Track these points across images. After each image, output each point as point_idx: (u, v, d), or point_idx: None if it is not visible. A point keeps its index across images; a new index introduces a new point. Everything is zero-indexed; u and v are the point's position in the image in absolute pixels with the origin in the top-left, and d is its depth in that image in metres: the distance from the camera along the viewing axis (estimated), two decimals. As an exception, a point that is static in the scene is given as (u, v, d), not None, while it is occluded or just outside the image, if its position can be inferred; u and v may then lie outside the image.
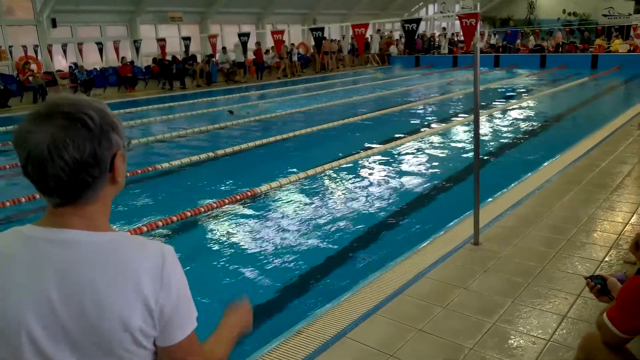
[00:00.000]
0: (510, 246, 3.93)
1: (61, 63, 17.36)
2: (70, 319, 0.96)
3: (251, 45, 18.46)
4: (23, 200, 5.75)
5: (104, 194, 1.03)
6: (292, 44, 22.58)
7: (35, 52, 16.43)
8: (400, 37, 27.54)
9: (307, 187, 6.24)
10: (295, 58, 22.09)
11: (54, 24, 16.78)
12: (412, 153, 7.84)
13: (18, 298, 0.96)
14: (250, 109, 12.54)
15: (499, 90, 15.18)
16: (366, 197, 5.82)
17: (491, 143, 8.32)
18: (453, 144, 8.52)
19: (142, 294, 0.99)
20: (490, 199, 5.02)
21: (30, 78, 14.85)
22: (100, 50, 17.16)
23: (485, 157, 7.11)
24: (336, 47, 24.03)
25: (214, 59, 19.07)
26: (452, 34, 27.28)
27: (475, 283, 3.38)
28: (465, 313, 3.02)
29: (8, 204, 5.72)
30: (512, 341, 2.75)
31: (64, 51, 16.85)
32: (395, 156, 7.68)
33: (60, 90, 15.52)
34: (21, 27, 16.77)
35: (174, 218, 5.03)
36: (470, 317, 2.98)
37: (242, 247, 4.57)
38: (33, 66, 15.77)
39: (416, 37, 22.74)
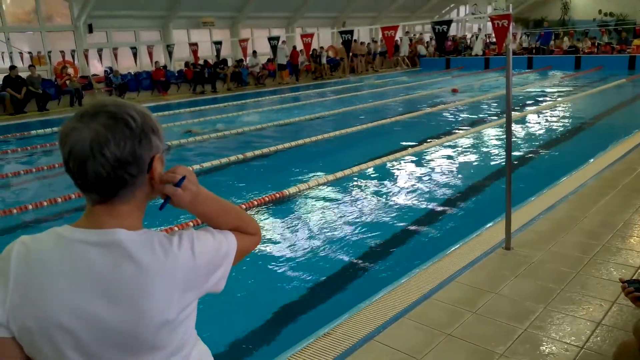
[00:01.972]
0: (543, 251, 3.85)
1: (97, 67, 17.84)
2: (111, 319, 0.98)
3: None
4: (59, 200, 5.93)
5: (140, 194, 1.06)
6: (322, 47, 22.64)
7: (73, 56, 16.93)
8: (431, 39, 27.34)
9: (336, 189, 6.25)
10: (324, 61, 22.15)
11: (90, 29, 17.28)
12: (442, 156, 7.76)
13: (59, 300, 0.98)
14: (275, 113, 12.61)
15: (532, 92, 14.89)
16: (395, 199, 5.79)
17: (523, 146, 8.17)
18: (484, 147, 8.40)
19: (180, 289, 1.03)
20: (522, 203, 4.92)
21: (68, 82, 15.31)
22: (135, 55, 17.56)
23: (518, 160, 6.98)
24: (365, 50, 23.99)
25: (244, 63, 19.29)
26: (485, 36, 26.90)
27: (506, 288, 3.32)
28: (495, 318, 2.98)
29: (45, 203, 5.91)
30: (544, 348, 2.69)
31: (100, 56, 17.31)
32: (425, 159, 7.62)
33: (96, 94, 15.95)
34: (59, 33, 17.31)
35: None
36: (501, 322, 2.93)
37: (270, 248, 4.60)
38: (70, 70, 16.26)
39: (447, 39, 22.58)
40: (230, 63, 19.66)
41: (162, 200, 1.11)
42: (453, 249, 3.99)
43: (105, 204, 1.03)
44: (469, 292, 3.30)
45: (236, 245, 1.16)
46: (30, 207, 5.85)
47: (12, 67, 14.11)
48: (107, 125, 0.99)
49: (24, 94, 13.97)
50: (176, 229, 4.77)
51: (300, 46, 22.31)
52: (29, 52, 16.31)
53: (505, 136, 3.99)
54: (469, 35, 28.94)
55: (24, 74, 14.44)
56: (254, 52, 19.94)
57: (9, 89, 13.77)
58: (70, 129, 1.00)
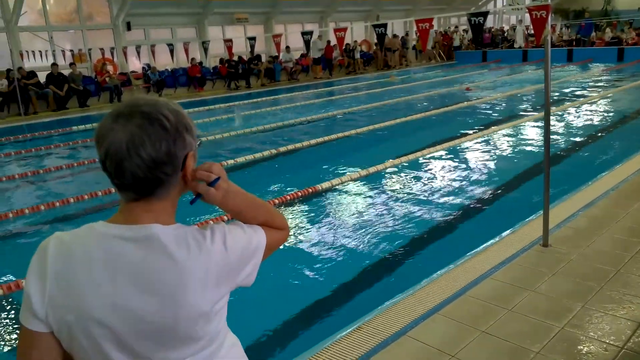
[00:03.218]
0: (582, 248, 3.75)
1: (135, 64, 18.25)
2: (147, 312, 1.00)
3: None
4: (100, 194, 6.11)
5: (174, 191, 1.08)
6: (355, 41, 22.54)
7: (112, 54, 17.36)
8: (466, 31, 26.85)
9: (369, 184, 6.23)
10: (357, 55, 22.05)
11: (128, 27, 17.69)
12: (478, 151, 7.64)
13: (96, 295, 1.00)
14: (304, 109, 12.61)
15: (572, 85, 14.46)
16: (429, 194, 5.73)
17: (562, 140, 7.95)
18: (522, 142, 8.21)
19: (213, 281, 1.05)
20: (560, 199, 4.80)
21: (107, 79, 15.73)
22: (171, 52, 17.90)
23: (556, 155, 6.81)
24: (399, 44, 23.75)
25: (278, 58, 19.41)
26: (525, 27, 26.23)
27: (543, 286, 3.25)
28: (531, 316, 2.92)
29: (86, 197, 6.11)
30: (582, 347, 2.63)
31: (138, 53, 17.71)
32: (460, 154, 7.51)
33: (134, 91, 16.34)
34: (99, 31, 17.78)
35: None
36: (537, 320, 2.88)
37: (303, 242, 4.63)
38: (109, 68, 16.69)
39: (483, 31, 22.10)
40: (264, 59, 19.79)
41: (192, 194, 1.13)
42: (488, 245, 3.93)
43: (140, 201, 1.05)
44: (505, 289, 3.24)
45: (265, 239, 1.18)
46: (72, 200, 6.05)
47: (54, 65, 14.60)
48: (143, 126, 1.00)
49: (65, 91, 14.43)
50: (211, 222, 4.87)
51: (333, 41, 22.31)
52: (71, 50, 16.81)
53: (543, 130, 3.90)
54: (506, 27, 28.26)
55: (65, 72, 14.93)
56: (287, 48, 20.02)
57: (51, 86, 14.24)
58: (106, 130, 1.01)
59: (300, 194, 5.83)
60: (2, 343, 3.32)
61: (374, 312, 3.07)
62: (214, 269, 1.05)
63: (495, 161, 7.00)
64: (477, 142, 8.11)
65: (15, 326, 3.49)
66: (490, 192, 5.73)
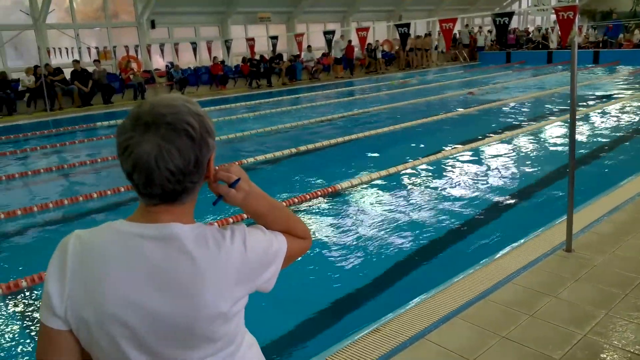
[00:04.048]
0: (607, 254, 3.67)
1: (159, 62, 18.46)
2: (166, 311, 1.00)
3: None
4: (122, 189, 6.20)
5: (196, 194, 1.09)
6: (377, 41, 22.45)
7: (136, 52, 17.59)
8: (490, 32, 26.54)
9: (389, 185, 6.20)
10: (379, 55, 21.97)
11: (152, 25, 17.90)
12: (501, 153, 7.54)
13: (115, 293, 0.99)
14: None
15: (598, 87, 14.18)
16: (449, 197, 5.68)
17: (588, 143, 7.81)
18: (545, 144, 8.08)
19: (232, 282, 1.05)
20: (585, 204, 4.70)
21: (131, 76, 15.95)
22: (195, 50, 18.06)
23: (581, 159, 6.68)
24: (421, 44, 23.58)
25: (300, 57, 19.44)
26: (549, 28, 25.83)
27: (565, 292, 3.20)
28: (553, 322, 2.87)
29: (109, 192, 6.20)
30: (605, 355, 2.57)
31: (162, 51, 17.91)
32: (483, 156, 7.43)
33: (158, 88, 16.52)
34: (124, 28, 18.03)
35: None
36: (559, 326, 2.83)
37: (322, 241, 4.62)
38: (133, 65, 16.91)
39: (508, 32, 21.79)
40: (285, 58, 19.85)
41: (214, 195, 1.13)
42: (510, 249, 3.87)
43: (162, 205, 1.04)
44: (526, 294, 3.19)
45: (286, 246, 1.17)
46: (95, 195, 6.15)
47: (76, 61, 14.85)
48: (170, 139, 0.98)
49: (90, 87, 14.67)
50: (231, 220, 4.90)
51: (355, 40, 22.25)
52: (96, 47, 17.08)
53: (568, 133, 3.83)
54: (531, 28, 27.85)
55: (91, 68, 15.19)
56: (309, 47, 20.05)
57: (76, 82, 14.50)
58: (132, 142, 0.99)
59: (320, 192, 5.82)
60: (25, 338, 3.38)
61: (393, 313, 3.05)
62: (232, 269, 1.05)
63: (518, 164, 6.90)
64: (499, 144, 8.01)
65: (37, 320, 3.55)
66: (512, 195, 5.65)
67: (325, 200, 5.70)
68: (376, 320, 3.00)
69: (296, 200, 5.58)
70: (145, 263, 1.01)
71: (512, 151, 7.64)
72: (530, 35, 25.79)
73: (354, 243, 4.54)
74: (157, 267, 1.01)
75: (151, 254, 1.01)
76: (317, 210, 5.46)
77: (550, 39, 23.91)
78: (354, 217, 5.19)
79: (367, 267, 4.10)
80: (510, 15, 5.19)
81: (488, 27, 27.93)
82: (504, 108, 11.64)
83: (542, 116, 10.32)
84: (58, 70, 14.54)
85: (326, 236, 4.76)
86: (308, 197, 5.71)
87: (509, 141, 8.21)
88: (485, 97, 13.27)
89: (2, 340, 3.29)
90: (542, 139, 8.45)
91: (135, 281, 1.00)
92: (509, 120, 10.21)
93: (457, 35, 24.71)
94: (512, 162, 7.02)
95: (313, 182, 6.41)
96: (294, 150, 8.07)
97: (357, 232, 4.77)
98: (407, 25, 6.42)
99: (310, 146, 8.33)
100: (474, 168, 6.80)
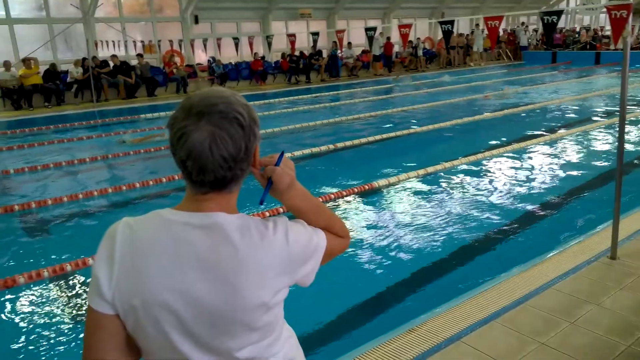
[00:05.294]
0: (654, 264, 3.53)
1: (201, 57, 18.79)
2: (211, 299, 1.02)
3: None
4: (164, 180, 6.35)
5: (241, 183, 1.11)
6: (418, 39, 22.19)
7: (180, 46, 17.95)
8: (536, 30, 25.85)
9: (427, 184, 6.13)
10: (420, 53, 21.72)
11: (196, 20, 18.22)
12: (544, 155, 7.34)
13: (163, 280, 1.02)
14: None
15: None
16: (489, 198, 5.57)
17: (636, 148, 7.51)
18: (592, 148, 7.82)
19: (274, 272, 1.07)
20: (632, 210, 4.53)
21: (174, 70, 16.28)
22: (236, 45, 18.29)
23: (629, 163, 6.44)
24: (464, 42, 23.16)
25: (339, 54, 19.41)
26: (598, 28, 24.95)
27: (609, 300, 3.09)
28: (595, 331, 2.78)
29: (151, 182, 6.36)
30: (651, 369, 2.48)
31: (205, 46, 18.21)
32: (525, 157, 7.24)
33: (199, 83, 16.81)
34: (168, 23, 18.42)
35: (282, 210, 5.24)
36: (601, 336, 2.74)
37: (358, 238, 4.61)
38: (177, 59, 17.26)
39: (555, 31, 21.14)
40: (325, 54, 19.86)
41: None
42: (552, 254, 3.77)
43: (210, 193, 1.07)
44: (568, 301, 3.11)
45: (326, 242, 1.19)
46: (137, 185, 6.32)
47: (114, 56, 15.27)
48: (223, 127, 1.01)
49: (134, 80, 15.06)
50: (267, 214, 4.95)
51: (394, 37, 22.05)
52: (142, 41, 17.52)
53: (616, 137, 3.70)
54: (577, 28, 26.96)
55: (135, 62, 15.61)
56: (349, 44, 20.00)
57: (120, 75, 14.91)
58: (186, 130, 1.01)
59: (356, 190, 5.81)
60: (71, 319, 3.51)
61: (429, 314, 3.02)
62: (274, 260, 1.07)
63: (562, 166, 6.69)
64: (543, 147, 7.80)
65: (79, 303, 3.68)
66: (556, 198, 5.50)
67: (362, 198, 5.69)
68: (411, 320, 2.98)
69: (332, 196, 5.59)
70: (192, 251, 1.03)
71: (556, 154, 7.43)
72: (578, 36, 24.94)
73: (390, 241, 4.51)
74: (203, 255, 1.03)
75: (197, 242, 1.03)
76: (353, 207, 5.45)
77: (599, 39, 23.11)
78: (391, 216, 5.16)
79: (402, 266, 4.07)
80: (559, 13, 5.03)
81: (533, 26, 27.21)
82: (548, 109, 11.31)
83: (588, 119, 9.99)
84: (105, 63, 14.98)
85: (362, 233, 4.74)
86: (344, 193, 5.70)
87: (552, 143, 7.99)
88: (530, 98, 12.94)
89: (46, 322, 3.42)
90: (588, 142, 8.17)
91: (182, 268, 1.02)
92: (554, 122, 9.92)
93: (501, 33, 24.12)
94: (556, 165, 6.82)
95: (350, 179, 6.39)
96: (331, 146, 8.08)
97: (393, 230, 4.74)
98: (451, 23, 6.31)
99: (348, 143, 8.32)
100: (515, 170, 6.65)
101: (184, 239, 1.04)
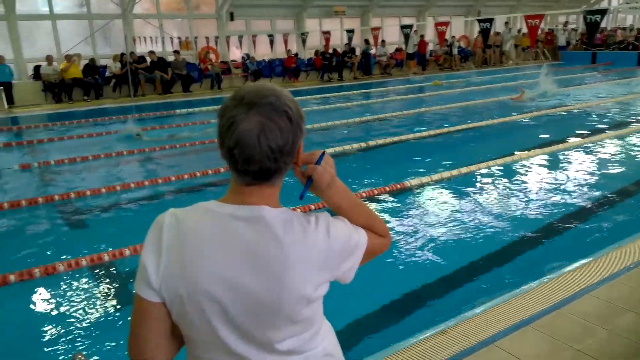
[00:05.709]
0: (699, 273, 3.40)
1: (235, 54, 18.98)
2: (256, 290, 1.04)
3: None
4: (198, 174, 6.44)
5: (283, 177, 1.13)
6: (453, 37, 21.89)
7: (215, 43, 18.17)
8: (575, 30, 25.17)
9: (461, 184, 6.04)
10: (455, 51, 21.42)
11: (231, 17, 18.42)
12: (582, 158, 7.15)
13: (209, 270, 1.04)
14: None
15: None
16: (526, 199, 5.46)
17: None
18: (632, 151, 7.57)
19: (315, 267, 1.08)
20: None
21: (209, 66, 16.51)
22: (271, 42, 18.40)
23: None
24: (500, 41, 22.72)
25: (372, 52, 19.32)
26: (638, 29, 24.12)
27: (649, 309, 3.00)
28: (634, 340, 2.70)
29: (186, 176, 6.46)
30: (694, 381, 2.39)
31: (240, 42, 18.38)
32: (562, 160, 7.07)
33: (233, 79, 17.00)
34: (204, 20, 18.67)
35: (320, 205, 5.25)
36: (640, 345, 2.66)
37: (392, 238, 4.58)
38: (212, 56, 17.48)
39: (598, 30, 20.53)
40: (358, 52, 19.80)
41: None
42: (589, 260, 3.68)
43: (254, 186, 1.09)
44: (606, 308, 3.03)
45: (367, 240, 1.19)
46: (172, 178, 6.44)
47: (152, 52, 15.60)
48: (272, 118, 1.03)
49: (170, 76, 15.33)
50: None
51: (428, 35, 21.82)
52: (178, 38, 17.81)
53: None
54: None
55: (171, 58, 15.88)
56: (383, 41, 19.88)
57: (156, 71, 15.19)
58: (237, 119, 1.03)
59: (388, 188, 5.78)
60: (108, 307, 3.61)
61: (461, 316, 2.99)
62: (316, 254, 1.08)
63: (602, 170, 6.50)
64: (581, 149, 7.60)
65: (117, 291, 3.78)
66: (594, 202, 5.35)
67: (393, 197, 5.65)
68: (443, 321, 2.96)
69: (363, 194, 5.57)
70: (238, 242, 1.05)
71: (595, 157, 7.22)
72: (620, 36, 24.12)
73: (422, 241, 4.47)
74: (248, 247, 1.05)
75: (243, 234, 1.05)
76: (385, 206, 5.42)
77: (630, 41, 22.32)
78: (423, 216, 5.11)
79: (433, 266, 4.03)
80: (603, 12, 4.89)
81: (572, 25, 26.50)
82: (587, 110, 11.01)
83: (628, 121, 9.68)
84: (142, 59, 15.29)
85: (396, 233, 4.71)
86: (375, 192, 5.68)
87: (591, 146, 7.77)
88: (568, 99, 12.61)
89: (84, 309, 3.53)
90: (628, 146, 7.92)
91: (229, 259, 1.05)
92: (593, 124, 9.65)
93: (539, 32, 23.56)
94: (595, 168, 6.64)
95: (381, 177, 6.36)
96: (363, 144, 8.05)
97: (426, 230, 4.70)
98: (490, 21, 6.19)
99: (380, 141, 8.28)
100: (552, 172, 6.50)
101: (230, 231, 1.06)
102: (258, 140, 1.02)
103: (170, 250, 1.06)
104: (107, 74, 14.83)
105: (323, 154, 1.16)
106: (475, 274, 3.93)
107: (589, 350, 2.64)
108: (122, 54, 14.85)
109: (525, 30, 20.42)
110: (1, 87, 13.18)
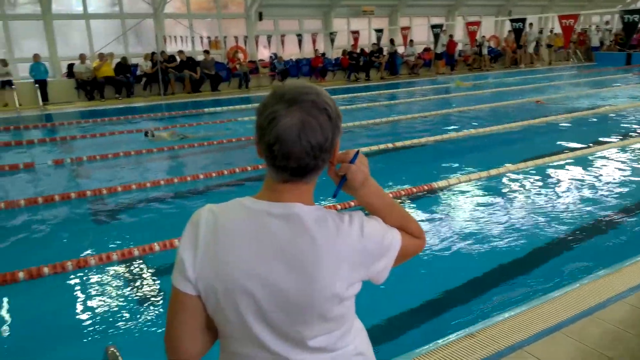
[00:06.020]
0: None
1: (263, 53, 19.12)
2: (289, 287, 1.06)
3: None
4: (225, 172, 6.50)
5: (319, 174, 1.13)
6: (483, 37, 21.60)
7: (244, 42, 18.33)
8: (610, 30, 24.55)
9: (488, 187, 5.97)
10: (485, 51, 21.14)
11: (260, 17, 18.55)
12: (614, 162, 6.97)
13: (244, 266, 1.06)
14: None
15: None
16: (554, 204, 5.36)
17: None
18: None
19: (348, 265, 1.08)
20: None
21: (238, 66, 16.66)
22: (299, 42, 18.46)
23: None
24: (532, 41, 22.29)
25: (399, 52, 19.21)
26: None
27: (685, 318, 2.92)
28: (669, 350, 2.63)
29: (214, 174, 6.55)
30: None
31: (269, 42, 18.50)
32: (593, 163, 6.92)
33: (261, 79, 17.12)
34: (233, 20, 18.86)
35: (351, 204, 5.24)
36: (676, 355, 2.59)
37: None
38: (240, 55, 17.64)
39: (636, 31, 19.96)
40: (385, 51, 19.72)
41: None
42: (622, 266, 3.59)
43: (290, 183, 1.10)
44: (638, 315, 2.95)
45: (400, 241, 1.19)
46: (201, 176, 6.53)
47: (181, 52, 15.81)
48: (313, 115, 1.04)
49: (199, 75, 15.53)
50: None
51: (457, 35, 21.58)
52: (208, 37, 18.03)
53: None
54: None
55: (201, 57, 16.09)
56: (411, 41, 19.74)
57: (186, 70, 15.41)
58: (278, 114, 1.03)
59: (415, 189, 5.75)
60: (137, 300, 3.68)
61: (490, 320, 2.96)
62: (349, 252, 1.09)
63: (636, 175, 6.34)
64: (613, 153, 7.42)
65: (146, 285, 3.86)
66: (626, 207, 5.21)
67: (420, 198, 5.62)
68: (471, 325, 2.93)
69: (390, 195, 5.54)
70: (272, 239, 1.07)
71: (628, 161, 7.04)
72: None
73: (450, 244, 4.43)
74: (282, 243, 1.06)
75: (277, 231, 1.07)
76: (412, 207, 5.39)
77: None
78: (451, 218, 5.07)
79: (461, 269, 3.99)
80: (640, 12, 4.75)
81: (606, 26, 25.85)
82: (620, 114, 10.73)
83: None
84: (172, 58, 15.53)
85: (424, 234, 4.67)
86: (403, 193, 5.66)
87: (624, 150, 7.58)
88: (601, 101, 12.32)
89: (115, 302, 3.61)
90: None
91: (263, 255, 1.06)
92: (626, 127, 9.40)
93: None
94: (629, 172, 6.47)
95: (408, 178, 6.32)
96: (390, 145, 8.02)
97: (453, 233, 4.65)
98: (523, 21, 6.09)
99: (407, 142, 8.23)
100: (583, 176, 6.36)
101: (265, 227, 1.08)
102: (298, 137, 1.03)
103: (207, 245, 1.08)
104: (138, 72, 15.11)
105: (357, 152, 1.16)
106: (504, 277, 3.88)
107: (619, 358, 2.58)
108: (153, 53, 15.10)
109: (557, 30, 20.04)
110: (37, 85, 13.56)
